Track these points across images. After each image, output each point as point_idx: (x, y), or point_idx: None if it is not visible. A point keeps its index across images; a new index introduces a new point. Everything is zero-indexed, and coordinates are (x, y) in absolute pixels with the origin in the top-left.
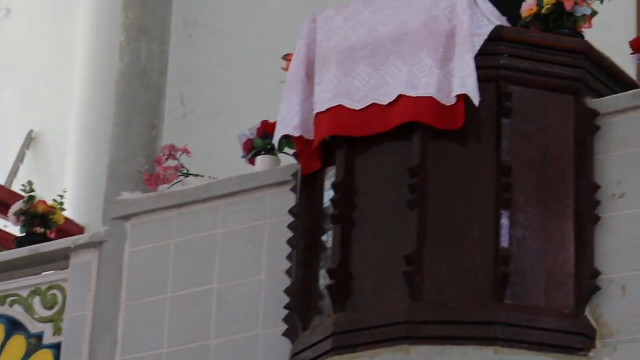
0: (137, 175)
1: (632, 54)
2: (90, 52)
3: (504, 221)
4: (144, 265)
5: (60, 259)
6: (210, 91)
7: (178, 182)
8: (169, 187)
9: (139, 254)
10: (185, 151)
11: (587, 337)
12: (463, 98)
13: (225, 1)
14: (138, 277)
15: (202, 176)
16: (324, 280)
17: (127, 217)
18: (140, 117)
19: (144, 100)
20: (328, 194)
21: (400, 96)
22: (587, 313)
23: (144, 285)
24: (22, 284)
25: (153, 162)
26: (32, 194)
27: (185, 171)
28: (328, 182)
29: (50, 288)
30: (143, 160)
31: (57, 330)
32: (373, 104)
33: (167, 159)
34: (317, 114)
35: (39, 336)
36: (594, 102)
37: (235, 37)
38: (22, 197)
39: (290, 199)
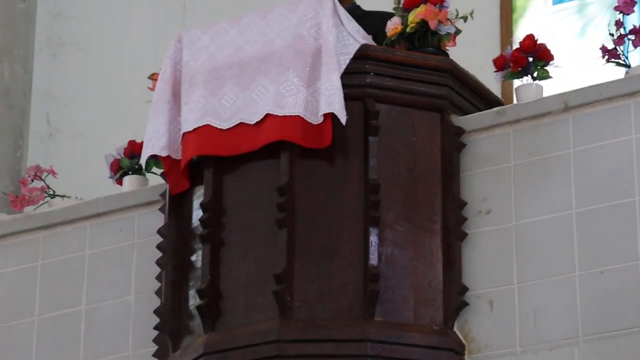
0: (2, 197)
1: (495, 71)
2: None
3: (373, 239)
4: (10, 288)
5: None
6: (76, 111)
7: (44, 203)
8: (35, 209)
9: (5, 277)
10: (52, 172)
11: (456, 353)
12: (330, 117)
13: (91, 20)
14: (4, 300)
15: (69, 197)
16: (193, 300)
17: None
18: (5, 138)
19: (8, 120)
20: (197, 214)
21: (267, 115)
22: (455, 329)
23: (10, 308)
24: None
25: (18, 183)
26: None
27: (51, 192)
28: (197, 202)
29: None
30: (8, 181)
31: None
32: (241, 123)
33: (32, 180)
34: (185, 134)
35: None
36: (459, 120)
37: (101, 57)
38: None
39: (159, 219)
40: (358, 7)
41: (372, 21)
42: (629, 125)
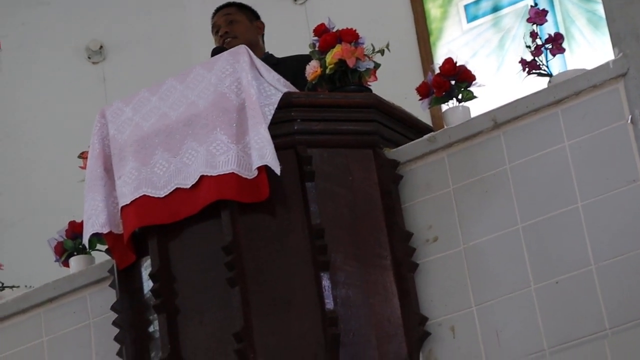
0: None
1: (420, 99)
2: None
3: (326, 283)
4: None
5: None
6: (10, 199)
7: None
8: None
9: None
10: None
11: None
12: (264, 169)
13: (18, 103)
14: None
15: (19, 287)
16: None
17: None
18: None
19: None
20: (147, 285)
21: (202, 177)
22: (421, 359)
23: None
24: None
25: None
26: None
27: (0, 285)
28: (145, 273)
29: None
30: None
31: None
32: (177, 189)
33: None
34: (123, 207)
35: None
36: (392, 153)
37: (28, 142)
38: None
39: (111, 296)
40: (271, 55)
41: (286, 67)
42: (560, 133)
